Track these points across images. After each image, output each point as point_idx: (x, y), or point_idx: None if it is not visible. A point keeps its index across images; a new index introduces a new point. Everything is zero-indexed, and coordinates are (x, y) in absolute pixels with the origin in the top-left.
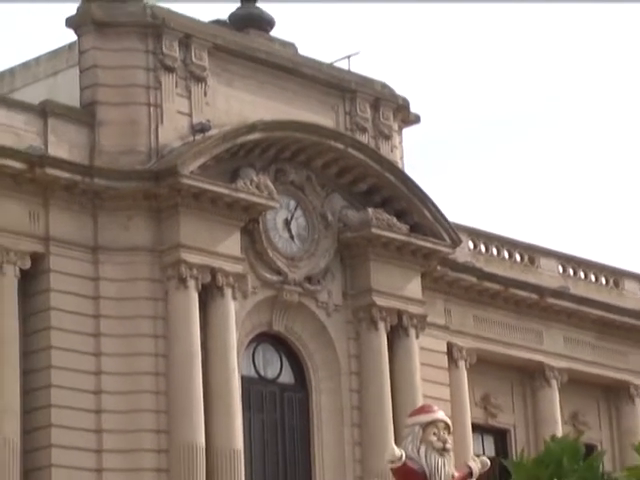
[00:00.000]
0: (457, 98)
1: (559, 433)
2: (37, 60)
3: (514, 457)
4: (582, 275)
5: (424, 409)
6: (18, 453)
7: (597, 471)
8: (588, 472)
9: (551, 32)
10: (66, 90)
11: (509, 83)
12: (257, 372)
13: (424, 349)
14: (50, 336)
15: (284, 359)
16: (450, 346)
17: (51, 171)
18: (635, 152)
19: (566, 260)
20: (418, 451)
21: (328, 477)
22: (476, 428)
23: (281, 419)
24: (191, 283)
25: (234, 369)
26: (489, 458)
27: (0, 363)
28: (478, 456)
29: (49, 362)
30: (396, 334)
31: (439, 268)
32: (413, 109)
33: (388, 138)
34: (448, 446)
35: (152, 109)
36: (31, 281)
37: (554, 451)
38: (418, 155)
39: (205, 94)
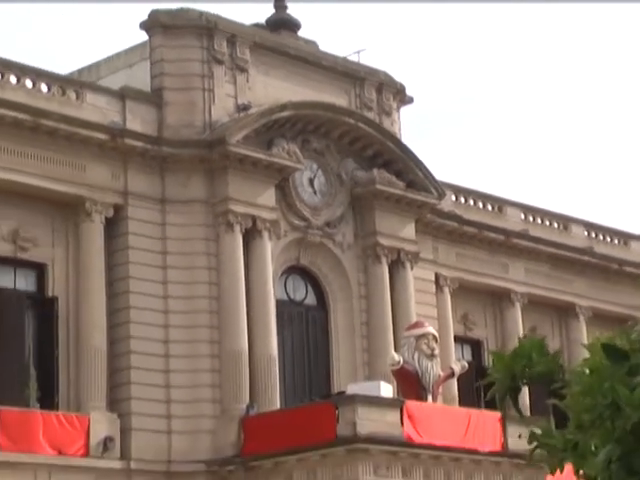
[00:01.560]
0: (442, 84)
1: None
2: (117, 55)
3: (487, 362)
4: (539, 221)
5: (417, 324)
6: (105, 358)
7: (558, 361)
8: (552, 363)
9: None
10: (140, 78)
11: (483, 67)
12: (288, 296)
13: (417, 278)
14: (128, 268)
15: (309, 286)
16: (437, 276)
17: (128, 141)
18: (573, 115)
19: (527, 209)
20: (412, 357)
21: (343, 377)
22: (457, 339)
23: (306, 333)
24: (237, 228)
25: (270, 294)
26: (467, 362)
27: (91, 290)
28: (459, 360)
29: (127, 288)
30: (395, 267)
31: (428, 216)
32: (408, 92)
33: (389, 115)
34: (436, 353)
35: (206, 93)
36: (113, 226)
37: (525, 347)
38: (412, 127)
39: (247, 81)
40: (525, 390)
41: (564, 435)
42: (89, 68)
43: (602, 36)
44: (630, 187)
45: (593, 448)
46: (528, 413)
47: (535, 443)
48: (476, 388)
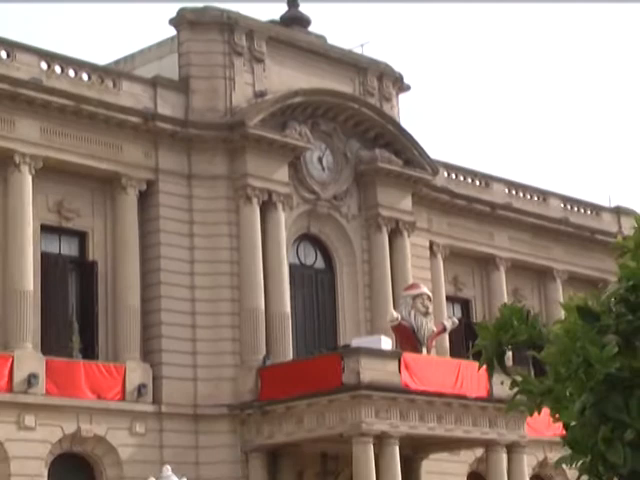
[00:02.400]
0: (436, 74)
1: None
2: (149, 48)
3: (475, 319)
4: (521, 194)
5: (413, 286)
6: (139, 315)
7: (537, 326)
8: (531, 329)
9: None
10: (169, 68)
11: (472, 58)
12: (299, 261)
13: (413, 245)
14: (159, 236)
15: (318, 252)
16: (431, 243)
17: (159, 124)
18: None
19: (510, 184)
20: (409, 314)
21: (348, 332)
22: (448, 299)
23: (315, 293)
24: (254, 200)
25: (284, 259)
26: (457, 319)
27: (127, 255)
28: (450, 317)
29: (159, 253)
30: (394, 235)
31: (423, 190)
32: (406, 81)
33: (389, 100)
34: (429, 311)
35: (227, 81)
36: (146, 199)
37: (506, 315)
38: (409, 112)
39: (263, 70)
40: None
41: (542, 382)
42: (124, 59)
43: (581, 18)
44: (602, 163)
45: (568, 395)
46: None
47: (516, 389)
48: (465, 341)
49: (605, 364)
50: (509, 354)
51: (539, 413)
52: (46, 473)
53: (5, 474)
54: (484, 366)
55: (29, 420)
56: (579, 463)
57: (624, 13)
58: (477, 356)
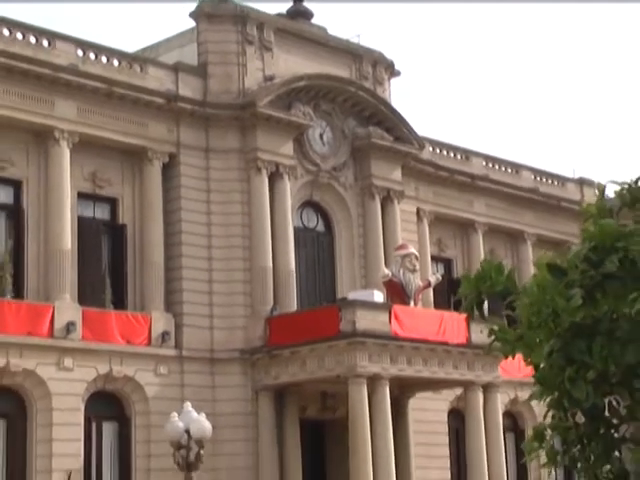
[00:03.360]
0: (423, 62)
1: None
2: (172, 37)
3: (455, 276)
4: (497, 167)
5: (403, 246)
6: (162, 271)
7: (513, 280)
8: (508, 281)
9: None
10: (189, 55)
11: (456, 45)
12: (303, 224)
13: (402, 211)
14: (180, 203)
15: (319, 217)
16: (418, 209)
17: (180, 104)
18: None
19: (488, 158)
20: (399, 271)
21: (345, 287)
22: (433, 258)
23: (317, 253)
24: (263, 171)
25: (289, 222)
26: (441, 276)
27: (152, 218)
28: (434, 274)
29: (180, 217)
30: (386, 202)
31: (411, 163)
32: (396, 67)
33: (381, 84)
34: (416, 268)
35: (240, 67)
36: (169, 170)
37: (486, 268)
38: (399, 94)
39: (272, 58)
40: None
41: (515, 330)
42: (150, 47)
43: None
44: (568, 139)
45: (538, 341)
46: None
47: (493, 337)
48: (447, 295)
49: (571, 314)
50: (486, 305)
51: (513, 357)
52: (83, 407)
53: (48, 408)
54: (465, 314)
55: (68, 362)
56: (547, 399)
57: None
58: (458, 307)
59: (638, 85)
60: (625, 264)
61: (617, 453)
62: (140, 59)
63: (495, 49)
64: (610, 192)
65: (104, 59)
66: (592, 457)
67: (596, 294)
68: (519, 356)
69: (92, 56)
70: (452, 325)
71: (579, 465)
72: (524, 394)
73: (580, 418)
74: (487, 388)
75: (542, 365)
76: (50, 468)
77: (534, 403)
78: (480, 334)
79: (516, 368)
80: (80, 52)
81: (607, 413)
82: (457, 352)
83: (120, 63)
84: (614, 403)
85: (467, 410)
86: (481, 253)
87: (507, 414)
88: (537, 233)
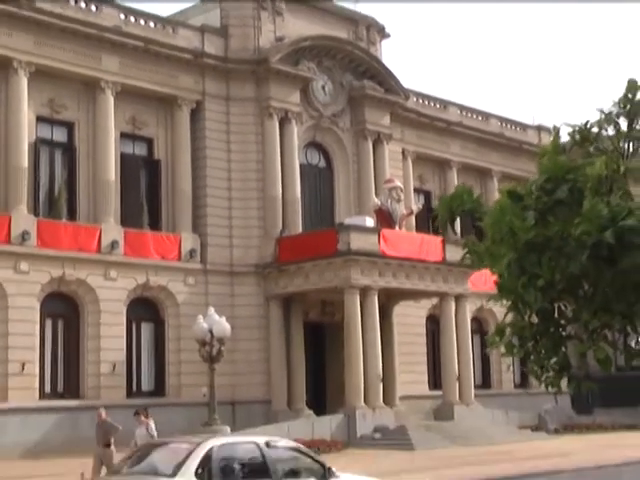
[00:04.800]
0: (410, 26)
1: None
2: (199, 4)
3: (433, 206)
4: (468, 114)
5: (390, 180)
6: (190, 198)
7: (480, 201)
8: (476, 202)
9: None
10: (213, 19)
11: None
12: (307, 161)
13: (390, 151)
14: (205, 142)
15: (321, 155)
16: (403, 150)
17: (206, 60)
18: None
19: (461, 107)
20: (387, 201)
21: (342, 214)
22: (415, 190)
23: (319, 186)
24: (275, 117)
25: (296, 159)
26: (421, 205)
27: (182, 154)
28: (416, 203)
29: (205, 154)
30: (376, 143)
31: (398, 110)
32: (387, 30)
33: (374, 44)
34: (401, 198)
35: (256, 29)
36: (196, 114)
37: (459, 191)
38: (389, 53)
39: (282, 21)
40: (457, 222)
41: (484, 244)
42: (181, 12)
43: None
44: (528, 90)
45: (501, 254)
46: (459, 235)
47: (466, 250)
48: (427, 221)
49: (525, 232)
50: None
51: (480, 268)
52: (125, 311)
53: (96, 310)
54: (441, 237)
55: (113, 273)
56: (507, 303)
57: None
58: (436, 232)
59: (587, 47)
60: (573, 193)
61: (563, 348)
62: (172, 22)
63: (469, 18)
64: (564, 134)
65: (142, 22)
66: (542, 351)
67: (548, 217)
68: (485, 271)
69: (132, 19)
70: (430, 246)
71: (532, 357)
72: (489, 303)
73: (534, 319)
74: (458, 298)
75: (502, 275)
76: (99, 359)
77: (496, 310)
78: (453, 253)
79: (482, 282)
80: (122, 16)
81: (557, 315)
82: (434, 268)
83: (155, 25)
84: (562, 307)
85: (442, 316)
86: (455, 186)
87: (474, 319)
88: (502, 170)
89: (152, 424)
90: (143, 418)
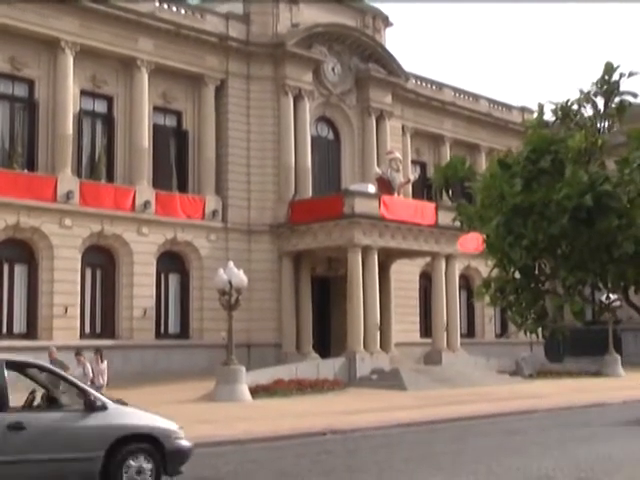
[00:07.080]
0: (411, 15)
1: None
2: None
3: (428, 176)
4: (461, 96)
5: (390, 152)
6: (214, 164)
7: (472, 170)
8: (468, 170)
9: None
10: (237, 7)
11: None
12: (318, 134)
13: (391, 126)
14: (228, 116)
15: (330, 129)
16: (403, 126)
17: (230, 43)
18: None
19: (455, 89)
20: (387, 170)
21: (348, 181)
22: (412, 161)
23: (327, 156)
24: (290, 94)
25: (307, 132)
26: (418, 174)
27: (207, 126)
28: (413, 173)
29: (227, 126)
30: (379, 119)
31: (399, 91)
32: (391, 20)
33: (379, 32)
34: (400, 169)
35: (274, 17)
36: (220, 91)
37: (453, 160)
38: (392, 40)
39: (298, 10)
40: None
41: (474, 208)
42: (208, 0)
43: None
44: (514, 74)
45: (489, 217)
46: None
47: (458, 212)
48: (422, 189)
49: (512, 197)
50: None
51: (470, 231)
52: (155, 262)
53: (130, 262)
54: (434, 205)
55: (145, 230)
56: (493, 261)
57: None
58: (430, 199)
59: (570, 34)
60: (555, 163)
61: (542, 301)
62: (200, 9)
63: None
64: (547, 111)
65: (174, 8)
66: (523, 303)
67: (533, 184)
68: (472, 234)
69: (165, 6)
70: (425, 211)
71: (514, 308)
72: (475, 263)
73: (517, 275)
74: (448, 258)
75: (491, 235)
76: (131, 305)
77: (481, 269)
78: (445, 218)
79: (471, 243)
80: (157, 3)
81: (537, 272)
82: (428, 231)
83: (186, 12)
84: (542, 265)
85: (433, 273)
86: (448, 159)
87: (462, 277)
88: (489, 146)
89: (89, 365)
90: (82, 359)
